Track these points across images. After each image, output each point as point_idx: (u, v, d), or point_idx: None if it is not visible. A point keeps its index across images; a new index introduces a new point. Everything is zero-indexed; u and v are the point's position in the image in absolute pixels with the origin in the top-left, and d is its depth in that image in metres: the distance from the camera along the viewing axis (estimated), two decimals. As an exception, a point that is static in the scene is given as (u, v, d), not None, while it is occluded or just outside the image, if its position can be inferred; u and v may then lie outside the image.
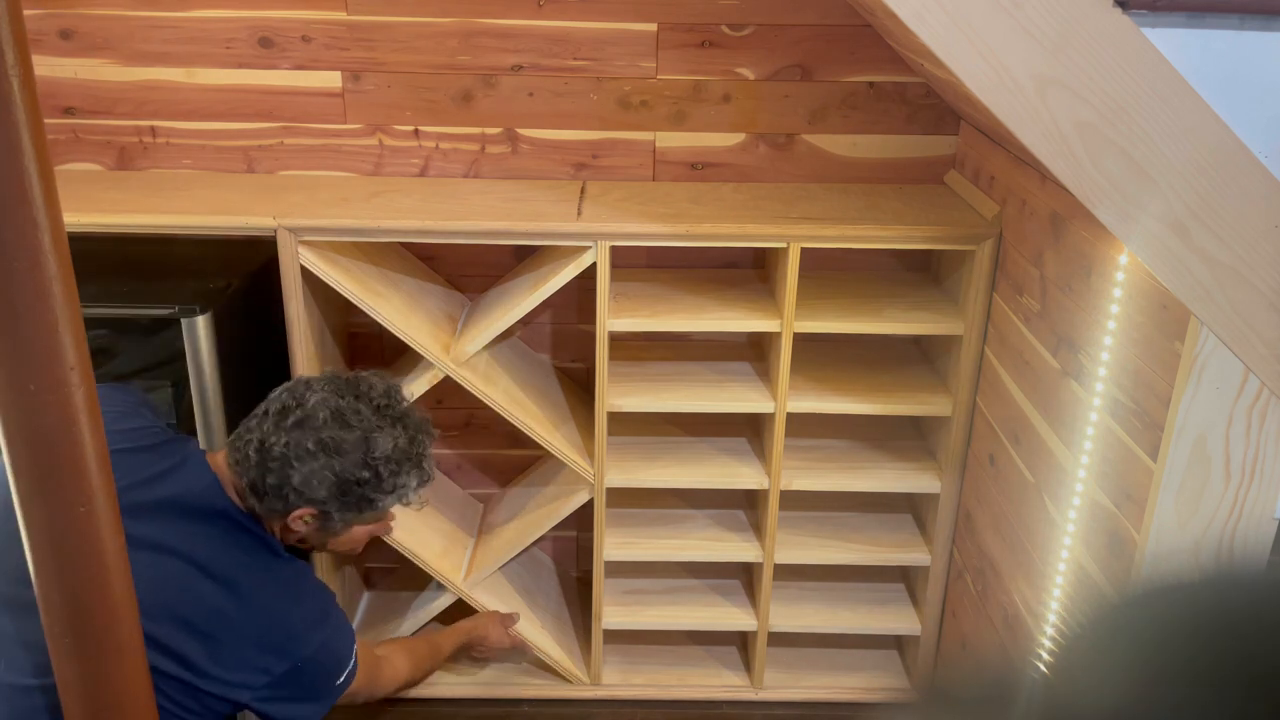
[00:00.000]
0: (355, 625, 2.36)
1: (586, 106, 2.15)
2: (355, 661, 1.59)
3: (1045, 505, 1.67)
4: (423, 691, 2.25)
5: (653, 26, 2.10)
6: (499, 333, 2.00)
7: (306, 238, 1.88)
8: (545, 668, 2.26)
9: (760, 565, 2.15)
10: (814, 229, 1.91)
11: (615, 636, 2.30)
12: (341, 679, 1.55)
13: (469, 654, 2.17)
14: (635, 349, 2.23)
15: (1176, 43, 1.20)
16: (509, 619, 2.15)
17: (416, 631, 2.26)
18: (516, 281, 2.11)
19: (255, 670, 1.42)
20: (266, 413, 1.46)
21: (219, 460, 1.52)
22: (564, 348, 2.36)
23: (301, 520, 1.49)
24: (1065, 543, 1.60)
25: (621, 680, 2.28)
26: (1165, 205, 1.23)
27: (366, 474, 1.46)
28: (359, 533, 1.60)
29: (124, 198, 2.03)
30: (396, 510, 1.64)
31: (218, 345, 1.78)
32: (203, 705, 1.41)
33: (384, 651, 1.86)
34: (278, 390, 1.51)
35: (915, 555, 2.16)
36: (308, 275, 1.91)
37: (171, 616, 1.38)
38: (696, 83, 2.14)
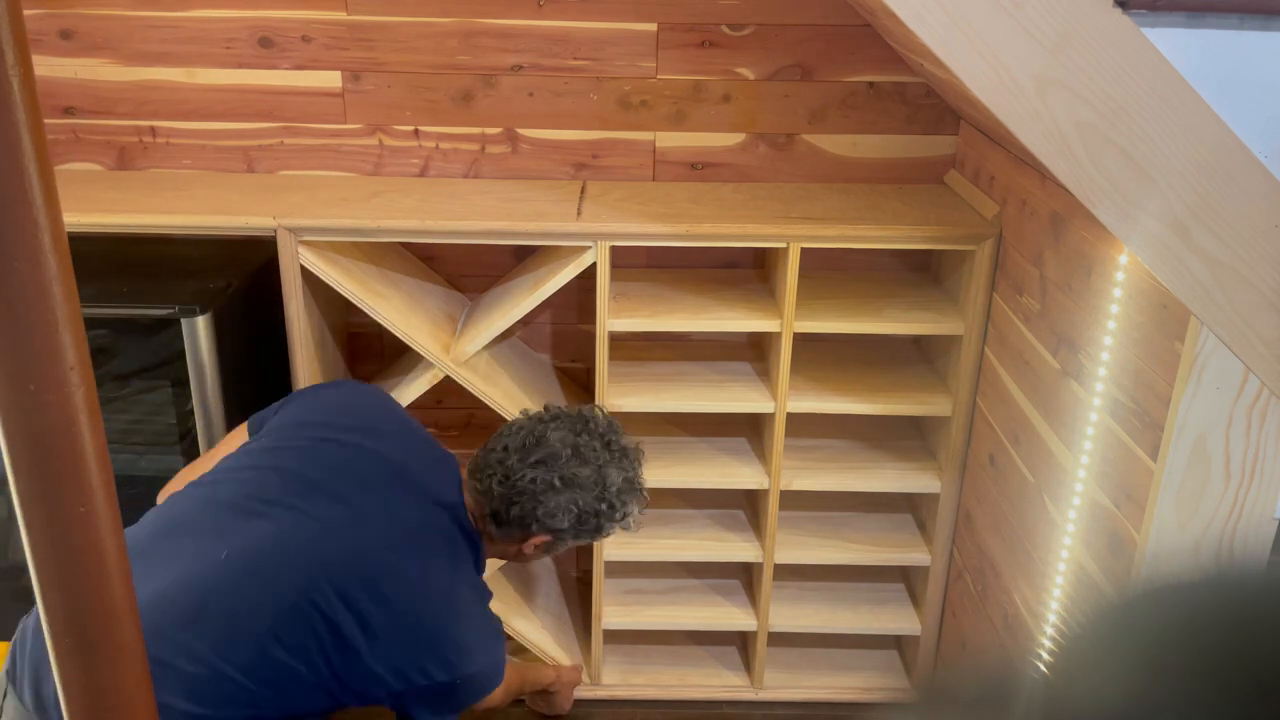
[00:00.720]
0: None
1: (586, 106, 2.15)
2: (503, 662, 1.65)
3: (1045, 505, 1.67)
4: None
5: (653, 26, 2.10)
6: (499, 333, 2.00)
7: (306, 238, 1.88)
8: (545, 668, 2.26)
9: (760, 565, 2.15)
10: (814, 229, 1.91)
11: (615, 636, 2.30)
12: (479, 702, 1.60)
13: (536, 699, 2.20)
14: (635, 349, 2.23)
15: (1176, 43, 1.20)
16: (578, 676, 2.24)
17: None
18: (516, 281, 2.11)
19: (418, 669, 1.44)
20: (507, 448, 1.57)
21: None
22: (564, 348, 2.36)
23: (534, 545, 1.60)
24: (1065, 543, 1.60)
25: (621, 680, 2.28)
26: (1165, 205, 1.23)
27: (604, 506, 1.57)
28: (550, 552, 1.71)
29: (124, 198, 2.03)
30: None
31: (218, 345, 1.78)
32: (350, 683, 1.42)
33: None
34: (513, 424, 1.63)
35: (915, 555, 2.16)
36: (308, 275, 1.91)
37: (371, 580, 1.42)
38: (696, 83, 2.14)
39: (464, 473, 1.64)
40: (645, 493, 1.65)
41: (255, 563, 1.41)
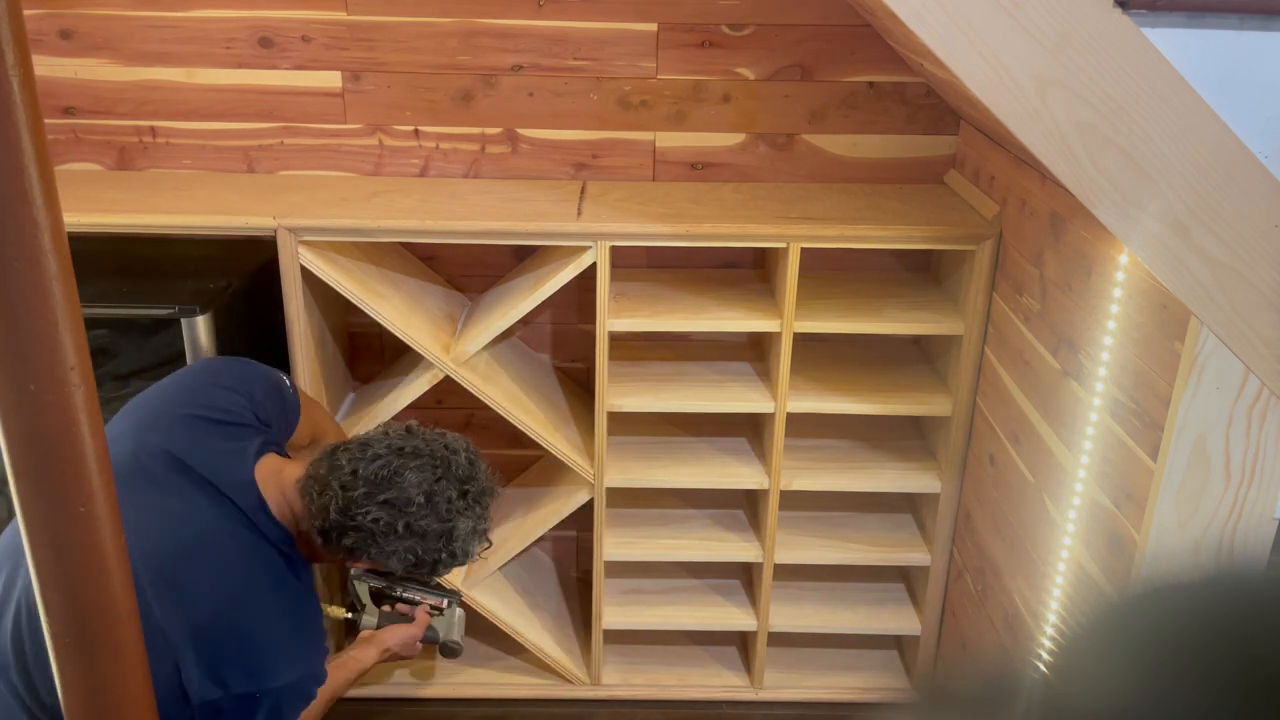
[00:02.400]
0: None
1: (586, 106, 2.15)
2: (321, 669, 1.53)
3: (1045, 505, 1.67)
4: (422, 692, 2.25)
5: (653, 26, 2.10)
6: (499, 333, 2.00)
7: (306, 238, 1.88)
8: (545, 668, 2.26)
9: (760, 565, 2.15)
10: (814, 229, 1.91)
11: (615, 636, 2.30)
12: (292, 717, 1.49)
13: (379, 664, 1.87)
14: (635, 349, 2.23)
15: (1176, 43, 1.20)
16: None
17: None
18: (516, 281, 2.11)
19: (215, 680, 1.35)
20: (356, 473, 1.45)
21: (286, 473, 1.50)
22: (564, 348, 2.36)
23: (358, 567, 1.54)
24: (1065, 543, 1.60)
25: (621, 680, 2.28)
26: (1165, 205, 1.23)
27: (444, 555, 1.50)
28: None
29: (124, 198, 2.03)
30: None
31: (218, 345, 1.78)
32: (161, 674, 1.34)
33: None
34: (370, 446, 1.48)
35: (915, 555, 2.16)
36: (308, 275, 1.91)
37: (167, 574, 1.35)
38: (696, 83, 2.14)
39: (281, 466, 1.51)
40: (489, 537, 1.58)
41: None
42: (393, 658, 1.82)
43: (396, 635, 1.80)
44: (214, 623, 1.38)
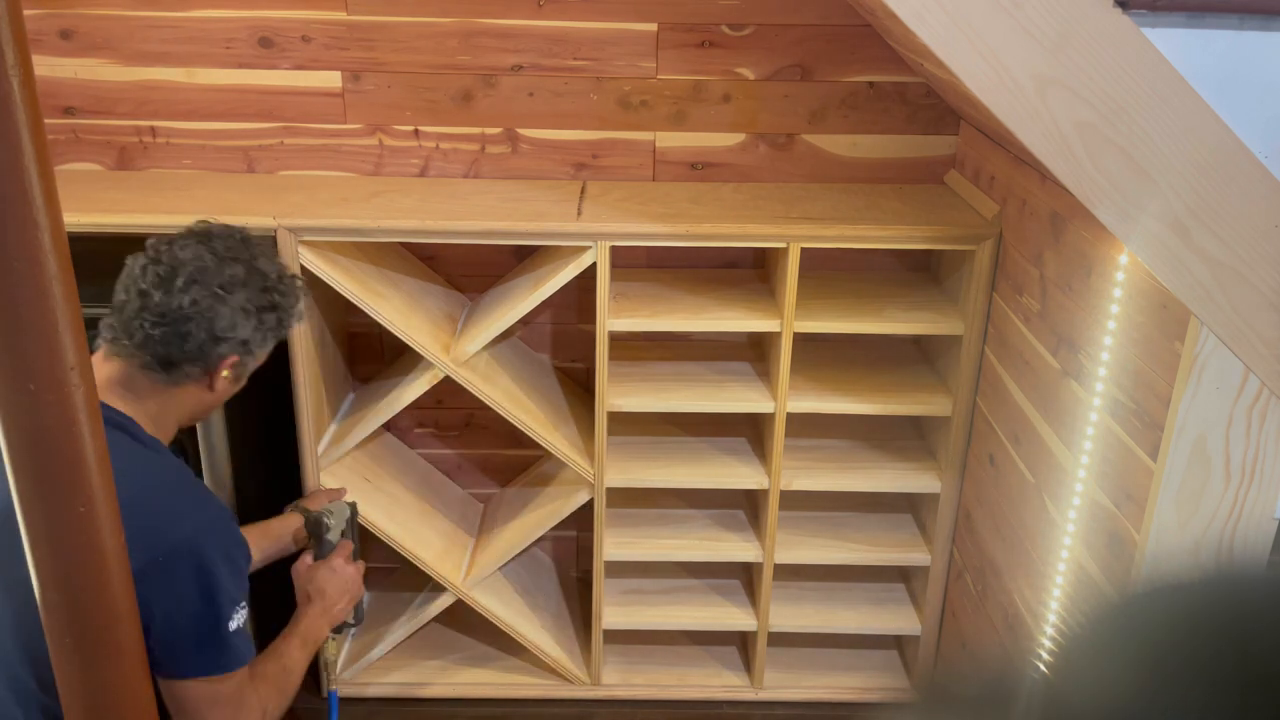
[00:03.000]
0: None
1: (586, 106, 2.15)
2: (245, 619, 1.43)
3: (1045, 505, 1.67)
4: (422, 692, 2.25)
5: (653, 26, 2.10)
6: (499, 333, 2.00)
7: (306, 238, 1.88)
8: (545, 668, 2.26)
9: (760, 565, 2.15)
10: (814, 229, 1.91)
11: (615, 636, 2.30)
12: (233, 618, 1.39)
13: (324, 623, 1.73)
14: (635, 349, 2.23)
15: (1176, 43, 1.20)
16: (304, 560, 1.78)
17: (415, 632, 2.26)
18: (516, 281, 2.11)
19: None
20: (144, 292, 1.42)
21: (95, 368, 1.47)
22: (564, 348, 2.36)
23: (225, 370, 1.48)
24: (1065, 543, 1.60)
25: (621, 680, 2.28)
26: (1165, 205, 1.23)
27: (275, 296, 1.49)
28: (237, 384, 1.57)
29: (124, 198, 2.03)
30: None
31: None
32: None
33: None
34: (129, 273, 1.46)
35: (915, 555, 2.16)
36: (308, 275, 1.90)
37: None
38: (696, 83, 2.14)
39: (102, 360, 1.47)
40: (278, 264, 1.57)
41: None
42: (324, 600, 1.70)
43: (302, 574, 1.72)
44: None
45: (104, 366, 1.45)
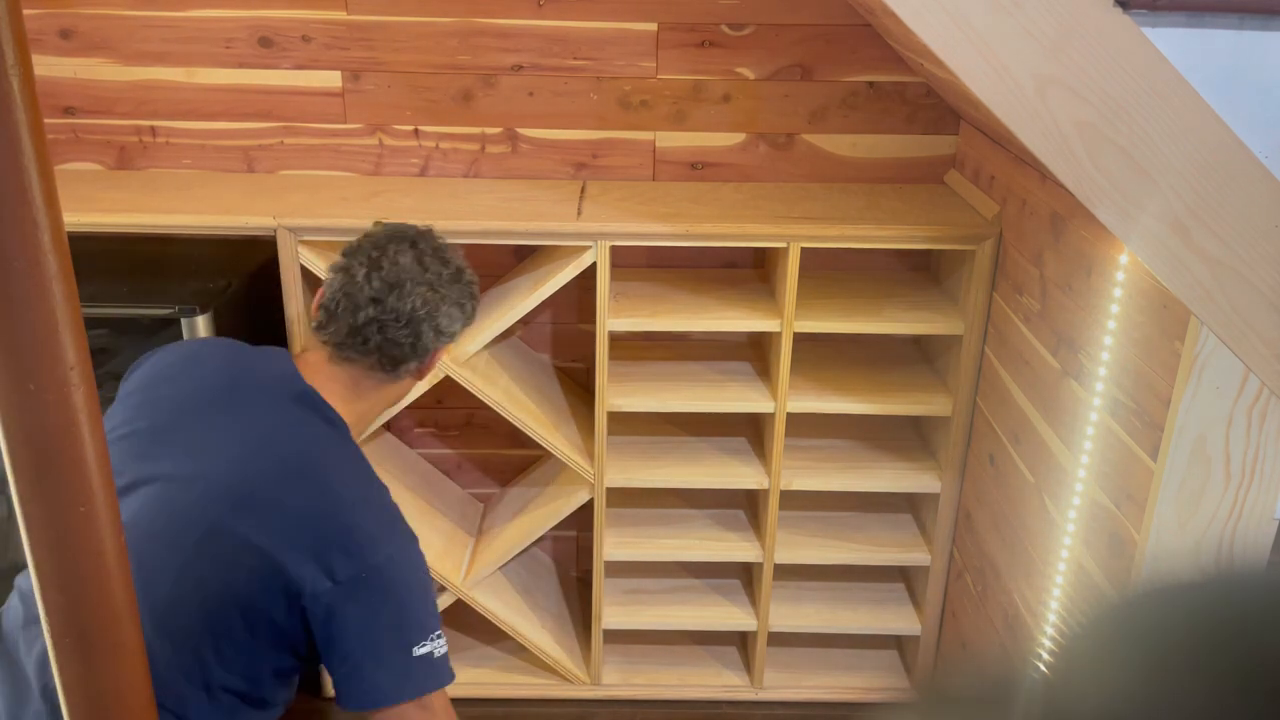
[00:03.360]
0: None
1: (586, 106, 2.15)
2: (442, 640, 1.47)
3: (1045, 505, 1.67)
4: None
5: (653, 26, 2.10)
6: (499, 332, 2.00)
7: (306, 237, 1.88)
8: (545, 668, 2.26)
9: (760, 565, 2.15)
10: (814, 229, 1.91)
11: (615, 636, 2.30)
12: (424, 643, 1.42)
13: None
14: (635, 349, 2.23)
15: (1176, 43, 1.20)
16: None
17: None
18: (516, 281, 2.11)
19: (324, 571, 1.33)
20: (376, 300, 1.50)
21: (312, 362, 1.54)
22: (564, 347, 2.36)
23: (435, 361, 1.60)
24: (1065, 543, 1.60)
25: (621, 680, 2.28)
26: (1165, 205, 1.23)
27: (473, 287, 1.61)
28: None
29: (124, 198, 2.03)
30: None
31: (218, 345, 1.78)
32: (276, 587, 1.34)
33: None
34: (355, 279, 1.52)
35: (915, 555, 2.16)
36: (308, 275, 1.91)
37: (258, 503, 1.36)
38: (696, 83, 2.14)
39: (311, 359, 1.55)
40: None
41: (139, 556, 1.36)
42: None
43: None
44: (308, 516, 1.37)
45: (330, 371, 1.53)
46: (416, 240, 1.57)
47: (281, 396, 1.48)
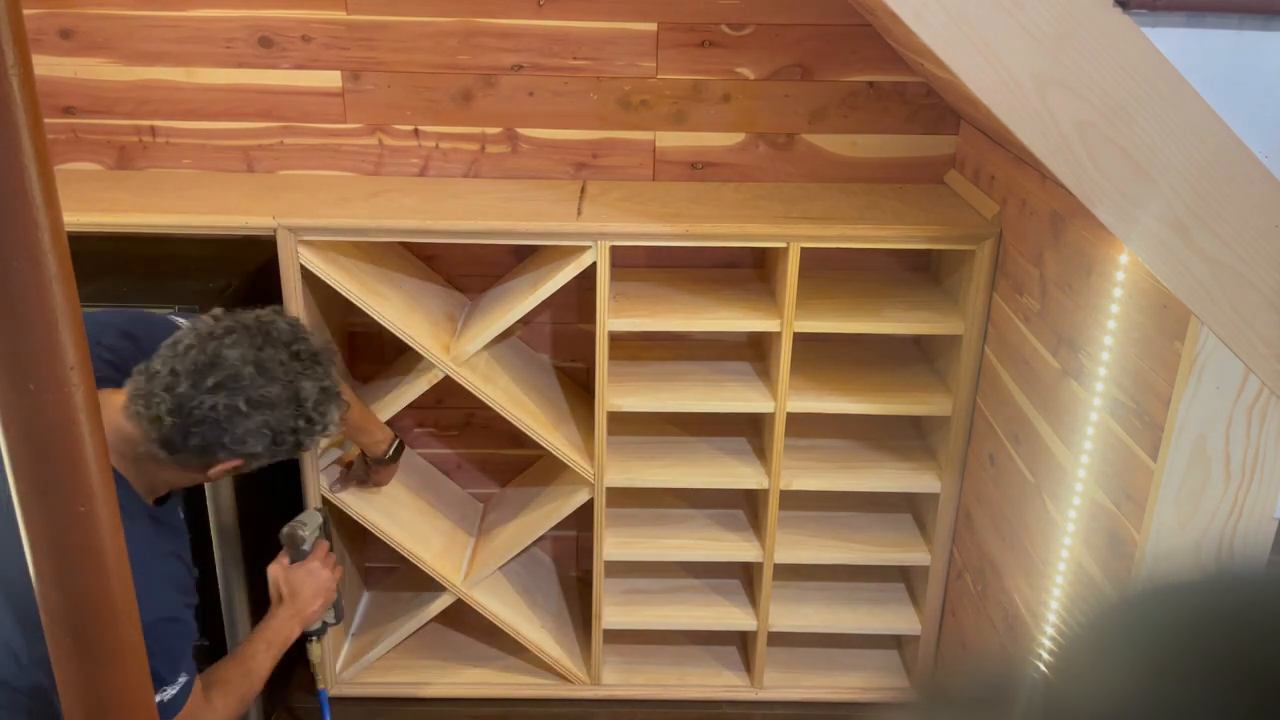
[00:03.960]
0: (354, 627, 2.36)
1: (586, 106, 2.15)
2: (186, 686, 1.41)
3: (1045, 505, 1.67)
4: (422, 692, 2.25)
5: (653, 26, 2.10)
6: (499, 332, 2.00)
7: (306, 237, 1.88)
8: (545, 668, 2.26)
9: (760, 565, 2.15)
10: (814, 229, 1.91)
11: (615, 636, 2.30)
12: (162, 696, 1.37)
13: (295, 625, 1.71)
14: (635, 349, 2.23)
15: (1176, 43, 1.20)
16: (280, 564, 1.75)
17: (415, 632, 2.26)
18: (516, 281, 2.11)
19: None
20: (176, 372, 1.36)
21: (109, 405, 1.38)
22: (564, 348, 2.36)
23: (221, 469, 1.43)
24: (1065, 543, 1.60)
25: (621, 680, 2.28)
26: (1165, 205, 1.23)
27: (301, 422, 1.42)
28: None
29: (124, 198, 2.03)
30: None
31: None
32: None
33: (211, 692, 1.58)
34: (179, 343, 1.38)
35: (915, 555, 2.16)
36: (307, 275, 1.91)
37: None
38: (696, 83, 2.14)
39: (105, 399, 1.37)
40: (344, 398, 1.49)
41: None
42: (296, 602, 1.69)
43: (278, 575, 1.70)
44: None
45: (116, 417, 1.39)
46: (267, 343, 1.39)
47: None
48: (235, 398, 1.36)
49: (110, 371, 1.46)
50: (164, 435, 1.36)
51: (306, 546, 1.73)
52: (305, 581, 1.72)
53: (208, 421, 1.36)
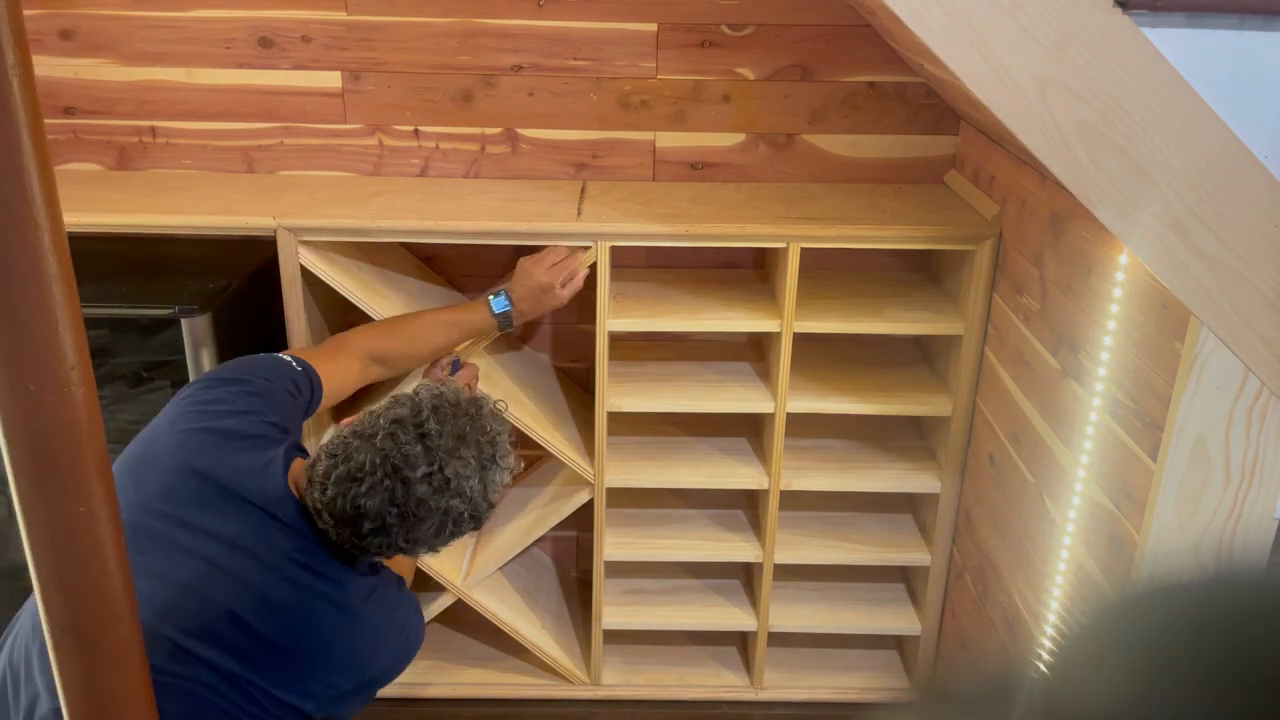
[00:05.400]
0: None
1: (586, 106, 2.15)
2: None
3: (1045, 505, 1.67)
4: (422, 692, 2.25)
5: (653, 26, 2.10)
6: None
7: (306, 238, 1.88)
8: (545, 668, 2.26)
9: (760, 565, 2.15)
10: (814, 229, 1.91)
11: (615, 636, 2.30)
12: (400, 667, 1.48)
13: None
14: (635, 349, 2.23)
15: (1176, 43, 1.20)
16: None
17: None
18: (516, 281, 2.10)
19: (322, 686, 1.35)
20: (404, 479, 1.31)
21: (297, 473, 1.41)
22: (564, 348, 2.36)
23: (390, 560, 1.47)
24: (1065, 543, 1.60)
25: (621, 680, 2.28)
26: (1165, 205, 1.23)
27: (481, 511, 1.40)
28: None
29: (124, 198, 2.03)
30: None
31: (217, 345, 1.78)
32: (265, 709, 1.33)
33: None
34: (407, 450, 1.31)
35: (915, 555, 2.16)
36: (307, 275, 1.91)
37: (232, 615, 1.30)
38: (696, 83, 2.14)
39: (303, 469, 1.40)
40: (507, 463, 1.46)
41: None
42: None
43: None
44: (308, 637, 1.35)
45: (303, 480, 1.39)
46: (399, 428, 1.34)
47: (276, 517, 1.39)
48: (434, 512, 1.34)
49: (274, 433, 1.46)
50: (345, 534, 1.36)
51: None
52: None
53: (365, 518, 1.33)
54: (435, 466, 1.32)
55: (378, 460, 1.31)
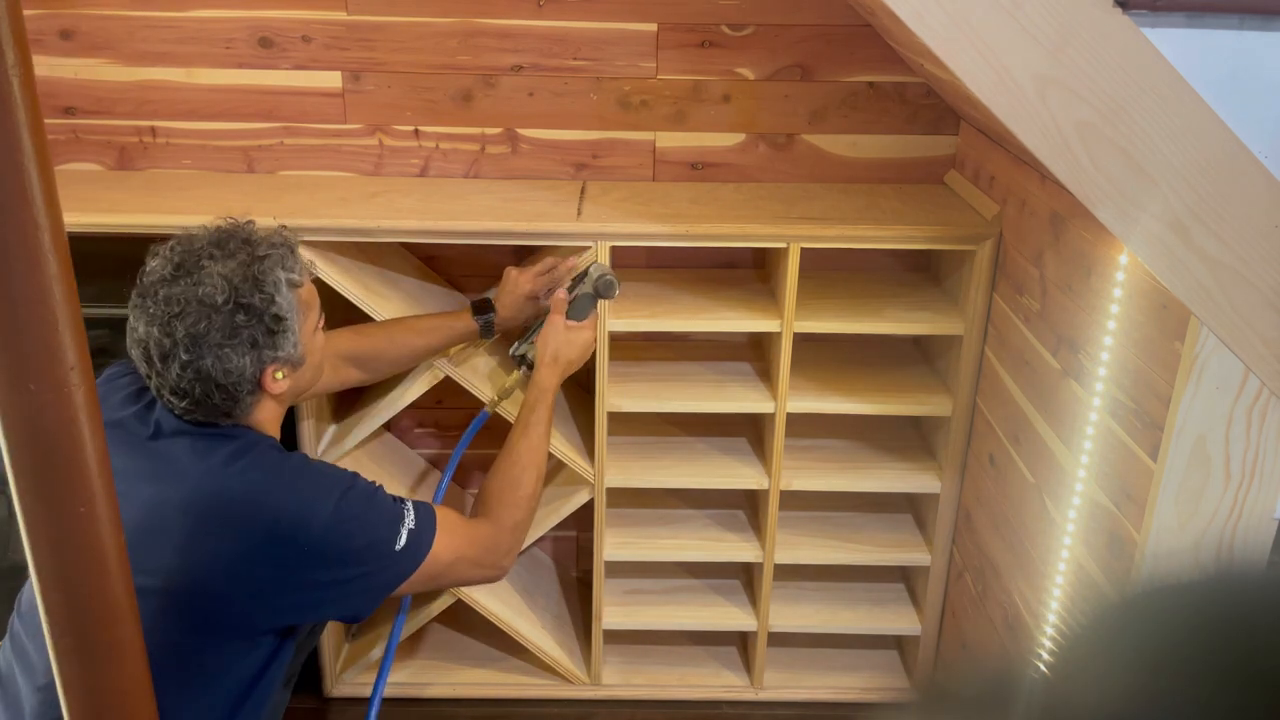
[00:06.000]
0: (354, 628, 2.36)
1: (586, 106, 2.15)
2: (418, 505, 1.48)
3: (1045, 505, 1.67)
4: (422, 692, 2.25)
5: (653, 26, 2.10)
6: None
7: (306, 238, 1.88)
8: (545, 668, 2.26)
9: (760, 565, 2.15)
10: (814, 229, 1.91)
11: (615, 636, 2.30)
12: (400, 539, 1.43)
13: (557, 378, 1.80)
14: (635, 349, 2.23)
15: (1176, 43, 1.20)
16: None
17: (415, 632, 2.26)
18: (516, 281, 2.10)
19: (265, 570, 1.33)
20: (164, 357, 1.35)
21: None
22: (564, 348, 2.36)
23: (274, 378, 1.41)
24: (1065, 543, 1.60)
25: (621, 680, 2.28)
26: (1165, 205, 1.23)
27: (249, 295, 1.37)
28: (310, 338, 1.48)
29: (124, 198, 2.03)
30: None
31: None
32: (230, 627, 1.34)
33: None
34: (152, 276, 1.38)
35: (915, 555, 2.16)
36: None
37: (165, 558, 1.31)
38: (696, 83, 2.14)
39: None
40: (287, 235, 1.46)
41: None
42: (565, 364, 1.79)
43: (549, 339, 1.79)
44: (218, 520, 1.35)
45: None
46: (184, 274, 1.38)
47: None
48: (199, 349, 1.36)
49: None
50: (194, 402, 1.39)
51: (596, 310, 1.83)
52: (576, 345, 1.82)
53: (206, 374, 1.36)
54: (171, 266, 1.38)
55: (135, 300, 1.39)
